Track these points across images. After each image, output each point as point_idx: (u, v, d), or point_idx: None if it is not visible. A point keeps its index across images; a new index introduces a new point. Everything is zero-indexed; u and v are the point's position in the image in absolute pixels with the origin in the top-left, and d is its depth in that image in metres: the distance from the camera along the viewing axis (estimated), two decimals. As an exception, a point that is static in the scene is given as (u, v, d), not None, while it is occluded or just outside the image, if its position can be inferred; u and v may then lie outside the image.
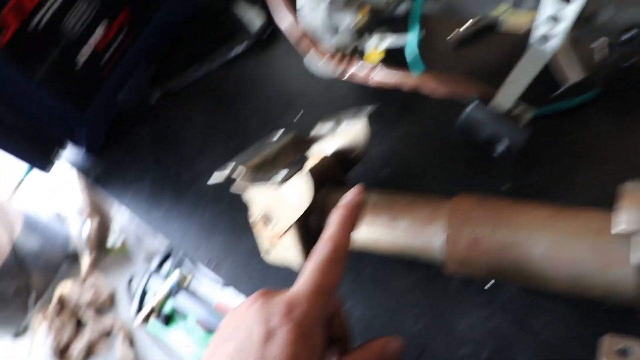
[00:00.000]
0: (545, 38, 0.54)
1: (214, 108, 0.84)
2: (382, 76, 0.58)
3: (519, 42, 0.57)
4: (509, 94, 0.56)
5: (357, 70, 0.59)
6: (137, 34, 0.89)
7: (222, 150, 0.79)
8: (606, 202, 0.46)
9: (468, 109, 0.55)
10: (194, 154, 0.81)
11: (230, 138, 0.79)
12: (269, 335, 0.43)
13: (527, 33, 0.56)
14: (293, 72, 0.81)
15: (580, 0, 0.51)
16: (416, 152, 0.66)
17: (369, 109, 0.59)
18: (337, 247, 0.46)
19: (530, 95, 0.60)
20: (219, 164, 0.59)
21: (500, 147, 0.57)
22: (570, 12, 0.52)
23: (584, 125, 0.62)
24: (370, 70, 0.59)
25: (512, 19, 0.58)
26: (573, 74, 0.59)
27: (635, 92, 0.61)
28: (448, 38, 0.72)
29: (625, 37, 0.56)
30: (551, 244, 0.44)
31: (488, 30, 0.66)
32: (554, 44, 0.54)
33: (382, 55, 0.61)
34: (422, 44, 0.72)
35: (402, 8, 0.60)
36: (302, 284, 0.45)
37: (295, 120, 0.76)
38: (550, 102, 0.62)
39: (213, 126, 0.82)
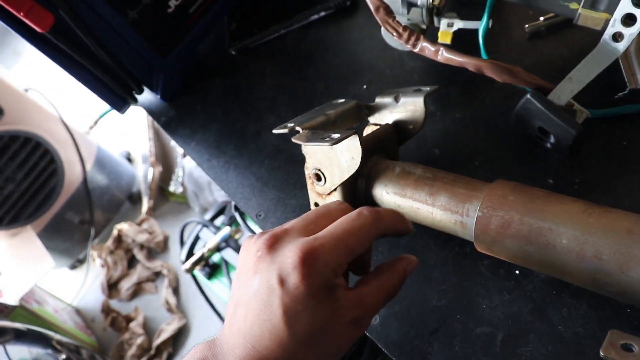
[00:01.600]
0: (617, 36, 0.55)
1: (287, 68, 0.88)
2: (449, 55, 0.60)
3: (593, 41, 0.58)
4: (569, 87, 0.57)
5: (427, 45, 0.61)
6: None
7: (287, 109, 0.83)
8: None
9: (524, 97, 0.57)
10: (261, 109, 0.85)
11: (297, 99, 0.83)
12: (283, 283, 0.42)
13: (603, 32, 0.57)
14: (368, 42, 0.84)
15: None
16: (468, 137, 0.68)
17: (430, 89, 0.62)
18: (379, 216, 0.47)
19: (595, 94, 0.61)
20: (283, 122, 0.62)
21: (551, 140, 0.58)
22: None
23: (637, 134, 0.61)
24: (439, 47, 0.61)
25: (589, 15, 0.58)
26: None
27: None
28: (526, 27, 0.73)
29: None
30: (577, 236, 0.46)
31: (565, 25, 0.67)
32: (624, 43, 0.55)
33: (450, 37, 0.63)
34: (499, 30, 0.74)
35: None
36: (323, 234, 0.45)
37: (361, 90, 0.79)
38: (611, 105, 0.62)
39: (283, 86, 0.86)
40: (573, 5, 0.59)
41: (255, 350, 0.42)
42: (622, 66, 0.59)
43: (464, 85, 0.72)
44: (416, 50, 0.62)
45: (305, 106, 0.79)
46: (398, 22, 0.62)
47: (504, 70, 0.58)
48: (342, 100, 0.68)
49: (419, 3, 0.58)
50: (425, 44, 0.60)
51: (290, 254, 0.43)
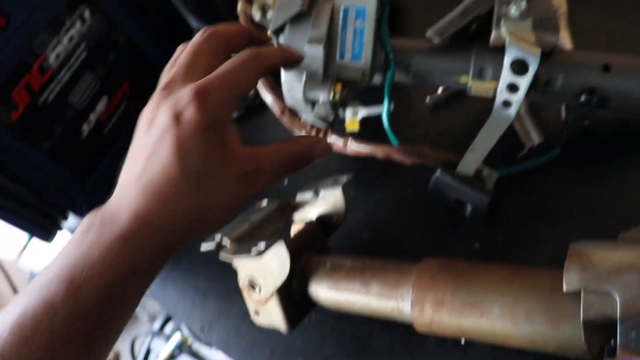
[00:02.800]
0: (506, 103, 0.59)
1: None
2: (356, 147, 0.63)
3: (489, 105, 0.62)
4: (473, 159, 0.60)
5: (334, 141, 0.64)
6: (137, 105, 0.94)
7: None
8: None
9: (434, 176, 0.60)
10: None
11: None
12: (176, 119, 0.43)
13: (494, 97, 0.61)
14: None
15: (530, 73, 0.56)
16: (393, 216, 0.70)
17: (345, 178, 0.64)
18: (260, 55, 0.49)
19: (498, 156, 0.63)
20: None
21: (469, 209, 0.61)
22: (525, 82, 0.57)
23: (546, 184, 0.65)
24: (346, 141, 0.64)
25: (479, 85, 0.62)
26: (535, 136, 0.63)
27: (592, 150, 0.65)
28: (427, 99, 0.76)
29: (580, 99, 0.61)
30: (507, 302, 0.47)
31: (462, 93, 0.70)
32: (514, 108, 0.58)
33: (357, 125, 0.66)
34: (402, 107, 0.77)
35: (376, 80, 0.65)
36: (211, 76, 0.45)
37: (282, 186, 0.80)
38: (515, 163, 0.66)
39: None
40: (463, 79, 0.63)
41: (146, 192, 0.42)
42: (516, 128, 0.62)
43: (379, 166, 0.73)
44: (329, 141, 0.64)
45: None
46: (304, 122, 0.65)
47: (411, 153, 0.60)
48: (265, 201, 0.69)
49: (320, 101, 0.60)
50: (333, 138, 0.63)
51: (183, 93, 0.43)
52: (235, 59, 0.48)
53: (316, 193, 0.65)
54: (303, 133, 0.65)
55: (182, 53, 0.49)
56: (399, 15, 0.91)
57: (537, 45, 0.57)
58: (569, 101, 0.63)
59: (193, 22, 1.06)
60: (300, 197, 0.67)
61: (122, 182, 0.45)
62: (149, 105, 0.46)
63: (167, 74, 0.48)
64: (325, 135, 0.65)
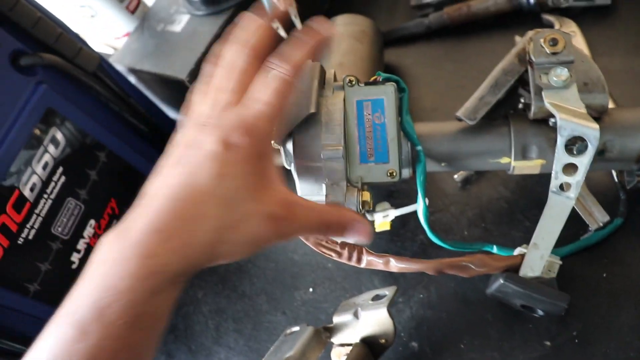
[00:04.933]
0: (564, 187, 0.51)
1: (220, 289, 0.79)
2: (403, 264, 0.55)
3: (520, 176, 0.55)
4: (537, 256, 0.52)
5: (373, 259, 0.57)
6: (127, 221, 0.85)
7: (236, 337, 0.74)
8: None
9: (497, 283, 0.51)
10: (207, 344, 0.75)
11: (242, 322, 0.74)
12: (228, 147, 0.42)
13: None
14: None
15: (591, 152, 0.48)
16: (442, 317, 0.61)
17: (388, 294, 0.55)
18: (296, 70, 0.46)
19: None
20: (235, 353, 0.58)
21: (539, 313, 0.52)
22: (585, 161, 0.49)
23: (616, 258, 0.58)
24: (387, 258, 0.56)
25: (523, 165, 0.55)
26: (599, 215, 0.55)
27: None
28: (455, 177, 0.69)
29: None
30: None
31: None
32: (574, 193, 0.50)
33: (389, 225, 0.57)
34: (429, 189, 0.69)
35: (405, 174, 0.57)
36: (259, 106, 0.44)
37: (308, 295, 0.71)
38: (572, 239, 0.59)
39: (222, 310, 0.77)
40: (504, 160, 0.55)
41: (174, 207, 0.40)
42: (578, 210, 0.54)
43: (415, 256, 0.65)
44: (362, 266, 0.56)
45: (253, 328, 0.71)
46: (333, 240, 0.56)
47: (465, 266, 0.52)
48: (296, 328, 0.60)
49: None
50: (371, 258, 0.55)
51: (232, 121, 0.43)
52: (281, 84, 0.45)
53: (356, 315, 0.56)
54: (335, 255, 0.58)
55: (222, 75, 0.47)
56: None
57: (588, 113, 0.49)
58: (627, 167, 0.55)
59: (171, 113, 0.98)
60: (338, 319, 0.58)
61: (147, 197, 0.42)
62: (185, 130, 0.45)
63: (203, 96, 0.47)
64: (360, 253, 0.56)
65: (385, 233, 0.67)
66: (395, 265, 0.56)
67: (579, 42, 0.72)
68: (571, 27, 0.74)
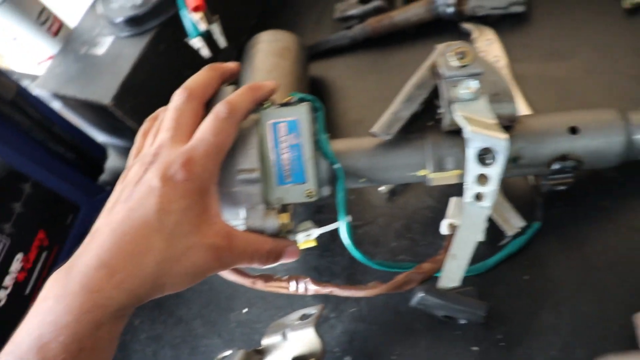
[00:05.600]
0: (479, 197, 0.51)
1: (156, 315, 0.78)
2: (340, 293, 0.59)
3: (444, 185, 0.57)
4: (455, 267, 0.52)
5: (315, 290, 0.60)
6: (59, 250, 0.83)
7: (176, 365, 0.73)
8: (580, 342, 0.50)
9: (417, 296, 0.52)
10: (147, 372, 0.74)
11: (180, 348, 0.73)
12: (166, 182, 0.44)
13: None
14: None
15: (501, 162, 0.49)
16: (374, 330, 0.62)
17: (316, 312, 0.55)
18: (233, 108, 0.49)
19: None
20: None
21: (462, 321, 0.53)
22: (496, 172, 0.50)
23: (535, 262, 0.59)
24: (325, 287, 0.59)
25: (441, 176, 0.56)
26: (517, 220, 0.56)
27: (571, 211, 0.61)
28: (381, 189, 0.69)
29: (553, 167, 0.55)
30: None
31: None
32: (488, 202, 0.51)
33: (315, 242, 0.58)
34: (355, 203, 0.70)
35: (325, 192, 0.57)
36: (196, 142, 0.47)
37: (243, 316, 0.71)
38: (496, 250, 0.60)
39: (159, 337, 0.76)
40: (422, 173, 0.56)
41: (119, 243, 0.42)
42: (494, 217, 0.55)
43: (346, 276, 0.66)
44: (310, 294, 0.60)
45: (190, 353, 0.70)
46: (278, 278, 0.60)
47: (400, 286, 0.55)
48: (228, 353, 0.59)
49: (268, 233, 0.51)
50: (317, 287, 0.59)
51: (174, 159, 0.45)
52: (216, 121, 0.48)
53: (284, 336, 0.56)
54: (283, 291, 0.60)
55: (165, 117, 0.50)
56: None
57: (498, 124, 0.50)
58: (541, 172, 0.57)
59: (101, 137, 0.97)
60: (267, 342, 0.58)
61: (94, 232, 0.45)
62: (132, 168, 0.48)
63: (150, 139, 0.50)
64: (306, 285, 0.59)
65: (315, 249, 0.67)
66: (339, 292, 0.58)
67: (497, 49, 0.74)
68: (489, 35, 0.76)
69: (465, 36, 0.78)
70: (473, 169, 0.50)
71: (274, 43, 0.79)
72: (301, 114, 0.53)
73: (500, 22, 0.78)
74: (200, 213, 0.45)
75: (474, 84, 0.50)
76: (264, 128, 0.53)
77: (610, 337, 0.52)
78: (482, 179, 0.50)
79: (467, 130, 0.49)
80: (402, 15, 0.81)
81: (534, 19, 0.77)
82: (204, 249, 0.45)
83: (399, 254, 0.65)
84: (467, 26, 0.78)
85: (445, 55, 0.52)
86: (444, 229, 0.60)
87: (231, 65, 0.56)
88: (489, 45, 0.74)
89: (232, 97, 0.51)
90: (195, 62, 0.82)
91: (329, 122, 0.77)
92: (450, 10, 0.78)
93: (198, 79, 0.53)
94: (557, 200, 0.61)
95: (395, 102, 0.54)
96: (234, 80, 0.57)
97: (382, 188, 0.69)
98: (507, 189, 0.63)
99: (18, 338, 0.40)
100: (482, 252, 0.60)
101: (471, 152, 0.49)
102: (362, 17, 0.86)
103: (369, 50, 0.86)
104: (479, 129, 0.49)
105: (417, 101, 0.54)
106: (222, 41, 0.82)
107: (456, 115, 0.50)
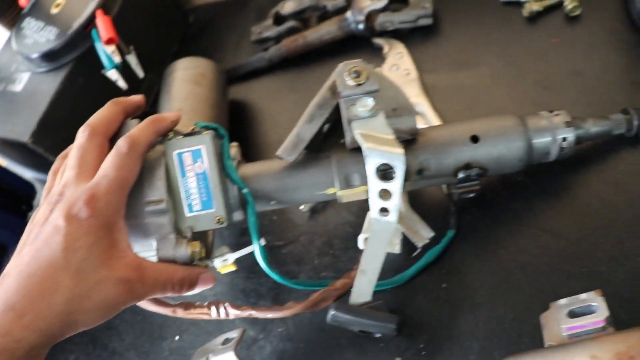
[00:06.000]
0: (384, 211, 0.52)
1: (92, 351, 0.77)
2: (259, 314, 0.60)
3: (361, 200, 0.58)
4: (366, 282, 0.53)
5: (237, 314, 0.61)
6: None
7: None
8: (496, 345, 0.51)
9: (329, 314, 0.53)
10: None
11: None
12: (70, 220, 0.44)
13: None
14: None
15: (400, 176, 0.50)
16: (300, 348, 0.62)
17: (235, 337, 0.56)
18: (134, 143, 0.49)
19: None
20: None
21: (377, 335, 0.54)
22: (397, 186, 0.51)
23: (452, 268, 0.61)
24: (246, 310, 0.60)
25: (349, 193, 0.56)
26: (425, 231, 0.58)
27: (484, 215, 0.62)
28: (301, 207, 0.70)
29: (459, 176, 0.56)
30: None
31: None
32: (393, 216, 0.52)
33: (234, 266, 0.58)
34: (279, 222, 0.71)
35: (237, 216, 0.57)
36: (99, 179, 0.47)
37: (175, 343, 0.70)
38: (412, 261, 0.61)
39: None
40: (331, 191, 0.57)
41: (27, 284, 0.42)
42: (404, 230, 0.56)
43: (272, 296, 0.66)
44: (231, 318, 0.61)
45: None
46: (199, 305, 0.60)
47: (316, 304, 0.57)
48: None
49: (180, 262, 0.51)
50: (237, 312, 0.60)
51: (77, 196, 0.45)
52: (117, 157, 0.49)
53: (210, 358, 0.56)
54: (205, 317, 0.61)
55: (70, 156, 0.50)
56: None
57: (397, 138, 0.52)
58: (447, 181, 0.58)
59: (27, 174, 0.95)
60: (193, 367, 0.58)
61: (3, 277, 0.45)
62: (40, 209, 0.48)
63: (59, 178, 0.50)
64: (226, 310, 0.60)
65: (242, 271, 0.68)
66: (257, 315, 0.59)
67: (407, 62, 0.76)
68: (399, 49, 0.78)
69: (379, 51, 0.80)
70: (374, 184, 0.51)
71: (190, 70, 0.79)
72: (205, 142, 0.53)
73: (410, 35, 0.80)
74: (107, 248, 0.46)
75: (369, 102, 0.52)
76: (169, 159, 0.53)
77: (525, 337, 0.54)
78: (385, 193, 0.51)
79: (364, 147, 0.50)
80: (316, 34, 0.82)
81: (442, 31, 0.79)
82: (114, 282, 0.45)
83: (322, 270, 0.66)
84: (378, 41, 0.80)
85: (341, 74, 0.53)
86: (360, 243, 0.61)
87: (135, 98, 0.56)
88: (400, 59, 0.76)
89: (133, 131, 0.51)
90: (115, 94, 0.82)
91: (251, 144, 0.78)
92: (361, 26, 0.80)
93: (100, 115, 0.53)
94: (471, 207, 0.63)
95: (298, 124, 0.55)
96: (142, 112, 0.57)
97: (303, 207, 0.70)
98: (422, 200, 0.65)
99: None
100: (401, 264, 0.62)
101: (370, 169, 0.50)
102: (277, 39, 0.87)
103: (286, 71, 0.88)
104: (376, 145, 0.50)
105: (319, 121, 0.55)
106: (139, 71, 0.82)
107: (354, 133, 0.51)
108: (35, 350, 0.41)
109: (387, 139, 0.51)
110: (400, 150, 0.50)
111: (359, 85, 0.53)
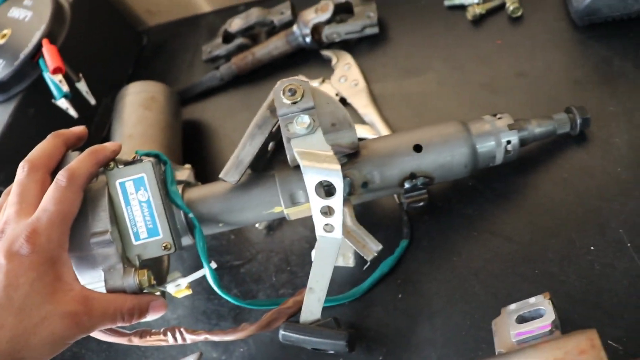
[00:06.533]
0: (327, 227, 0.52)
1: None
2: (216, 338, 0.59)
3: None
4: (315, 300, 0.53)
5: (191, 337, 0.60)
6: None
7: None
8: (454, 352, 0.52)
9: (280, 334, 0.52)
10: None
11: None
12: (11, 258, 0.44)
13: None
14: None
15: (339, 192, 0.50)
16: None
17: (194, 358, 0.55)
18: (72, 175, 0.49)
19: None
20: None
21: (330, 352, 0.54)
22: (338, 202, 0.50)
23: (407, 277, 0.60)
24: (202, 334, 0.60)
25: (296, 210, 0.56)
26: (373, 245, 0.57)
27: (438, 229, 0.62)
28: (257, 225, 0.70)
29: (405, 186, 0.56)
30: None
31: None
32: (337, 232, 0.52)
33: (189, 290, 0.57)
34: (234, 244, 0.70)
35: (187, 241, 0.57)
36: (39, 214, 0.46)
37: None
38: (367, 275, 0.61)
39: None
40: (277, 209, 0.57)
41: None
42: (351, 244, 0.56)
43: (233, 316, 0.66)
44: (188, 342, 0.60)
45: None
46: (156, 332, 0.59)
47: (268, 324, 0.57)
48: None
49: (128, 291, 0.51)
50: (192, 336, 0.60)
51: (17, 233, 0.45)
52: (57, 190, 0.48)
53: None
54: (162, 344, 0.60)
55: (11, 192, 0.50)
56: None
57: (337, 153, 0.51)
58: (394, 192, 0.58)
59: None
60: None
61: None
62: None
63: (0, 215, 0.49)
64: (182, 335, 0.60)
65: (201, 292, 0.67)
66: (212, 338, 0.59)
67: (355, 72, 0.76)
68: (347, 59, 0.78)
69: (328, 62, 0.80)
70: (315, 201, 0.50)
71: (140, 95, 0.79)
72: (146, 170, 0.53)
73: (358, 45, 0.80)
74: (51, 282, 0.45)
75: (305, 119, 0.51)
76: (112, 188, 0.53)
77: (482, 343, 0.54)
78: (328, 210, 0.51)
79: (302, 165, 0.50)
80: (264, 50, 0.82)
81: (389, 38, 0.79)
82: (60, 317, 0.45)
83: (280, 288, 0.65)
84: (326, 53, 0.80)
85: (276, 93, 0.53)
86: (314, 257, 0.61)
87: (76, 130, 0.56)
88: (348, 70, 0.76)
89: (73, 163, 0.51)
90: (67, 123, 0.81)
91: (207, 163, 0.78)
92: (308, 39, 0.80)
93: (40, 149, 0.53)
94: (424, 215, 0.63)
95: (239, 145, 0.55)
96: (100, 139, 0.56)
97: (258, 224, 0.69)
98: (375, 211, 0.65)
99: None
100: (356, 277, 0.62)
101: (310, 186, 0.50)
102: (227, 56, 0.87)
103: (239, 88, 0.87)
104: (313, 163, 0.49)
105: (260, 140, 0.54)
106: (90, 99, 0.81)
107: (293, 151, 0.51)
108: None
109: (325, 155, 0.51)
110: (336, 167, 0.49)
111: (295, 103, 0.52)
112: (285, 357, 0.61)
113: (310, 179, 0.50)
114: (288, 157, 0.54)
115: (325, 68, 0.80)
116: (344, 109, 0.55)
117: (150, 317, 0.52)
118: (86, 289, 0.48)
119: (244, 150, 0.54)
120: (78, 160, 0.51)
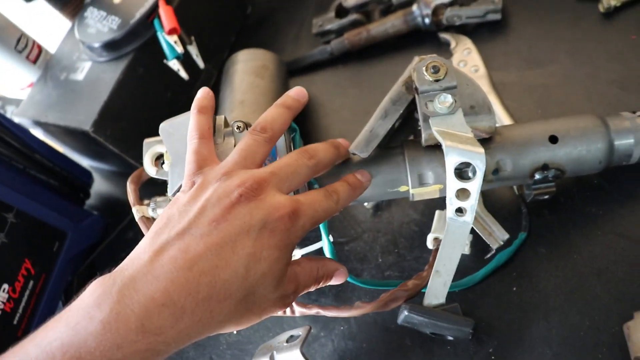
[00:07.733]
0: (460, 211, 0.51)
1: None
2: (328, 313, 0.59)
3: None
4: (440, 284, 0.52)
5: (302, 311, 0.60)
6: (47, 278, 0.82)
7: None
8: (571, 353, 0.50)
9: (402, 314, 0.51)
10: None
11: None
12: (264, 227, 0.41)
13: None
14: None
15: (480, 175, 0.48)
16: (364, 348, 0.61)
17: (300, 335, 0.55)
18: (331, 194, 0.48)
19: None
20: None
21: (449, 338, 0.53)
22: (475, 186, 0.49)
23: (523, 271, 0.59)
24: (316, 312, 0.59)
25: (422, 191, 0.55)
26: (500, 233, 0.56)
27: (558, 225, 0.60)
28: (365, 204, 0.69)
29: (535, 177, 0.55)
30: None
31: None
32: (469, 216, 0.50)
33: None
34: (339, 219, 0.69)
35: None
36: (306, 202, 0.44)
37: (233, 337, 0.70)
38: (480, 264, 0.59)
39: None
40: (403, 189, 0.55)
41: (196, 281, 0.37)
42: (478, 231, 0.54)
43: (334, 294, 0.65)
44: (297, 315, 0.61)
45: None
46: None
47: (385, 305, 0.55)
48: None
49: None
50: (302, 309, 0.60)
51: (278, 205, 0.42)
52: (326, 198, 0.47)
53: (272, 359, 0.55)
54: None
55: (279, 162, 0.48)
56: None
57: (475, 137, 0.50)
58: (522, 182, 0.56)
59: (85, 162, 0.96)
60: (257, 362, 0.57)
61: (159, 252, 0.39)
62: (226, 182, 0.43)
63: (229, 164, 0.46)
64: (292, 307, 0.60)
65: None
66: (324, 313, 0.58)
67: (475, 58, 0.74)
68: (467, 44, 0.75)
69: (445, 46, 0.78)
70: (452, 183, 0.49)
71: (251, 62, 0.78)
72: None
73: (477, 31, 0.78)
74: (283, 266, 0.42)
75: (448, 98, 0.50)
76: None
77: (602, 347, 0.52)
78: (462, 193, 0.50)
79: (444, 145, 0.48)
80: (380, 27, 0.81)
81: (511, 27, 0.77)
82: (276, 300, 0.43)
83: (386, 269, 0.64)
84: (445, 36, 0.78)
85: (419, 69, 0.51)
86: (429, 243, 0.60)
87: (303, 97, 0.56)
88: (467, 55, 0.74)
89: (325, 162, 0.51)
90: (175, 84, 0.81)
91: (312, 139, 0.77)
92: (427, 20, 0.78)
93: (272, 117, 0.51)
94: (544, 209, 0.61)
95: (371, 119, 0.54)
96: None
97: (367, 203, 0.68)
98: (493, 200, 0.63)
99: (47, 347, 0.35)
100: (469, 265, 0.60)
101: (450, 167, 0.49)
102: (339, 32, 0.86)
103: (349, 64, 0.86)
104: (456, 144, 0.48)
105: (394, 117, 0.53)
106: (200, 62, 0.81)
107: (433, 130, 0.50)
108: (170, 351, 0.38)
109: (466, 137, 0.49)
110: (481, 150, 0.48)
111: (437, 81, 0.51)
112: (387, 339, 0.60)
113: (452, 159, 0.48)
114: (423, 135, 0.52)
115: (440, 51, 0.78)
116: (484, 92, 0.53)
117: (333, 282, 0.51)
118: (292, 266, 0.45)
119: (377, 125, 0.53)
120: (324, 150, 0.51)
